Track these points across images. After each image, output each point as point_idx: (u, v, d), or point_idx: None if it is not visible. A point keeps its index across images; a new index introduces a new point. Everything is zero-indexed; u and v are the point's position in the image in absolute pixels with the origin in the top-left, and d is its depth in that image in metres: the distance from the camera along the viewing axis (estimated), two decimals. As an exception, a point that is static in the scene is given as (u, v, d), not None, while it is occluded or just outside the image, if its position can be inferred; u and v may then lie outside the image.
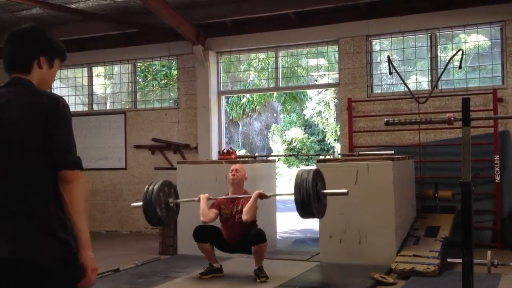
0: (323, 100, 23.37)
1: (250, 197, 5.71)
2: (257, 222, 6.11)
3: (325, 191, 5.06)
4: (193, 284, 5.80)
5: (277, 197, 8.46)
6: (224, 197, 6.00)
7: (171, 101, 10.22)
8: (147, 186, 5.48)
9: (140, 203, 5.41)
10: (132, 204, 5.77)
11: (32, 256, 2.13)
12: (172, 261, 7.02)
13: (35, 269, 2.14)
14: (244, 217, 5.62)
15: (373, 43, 8.66)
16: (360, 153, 7.76)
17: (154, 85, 12.65)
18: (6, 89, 2.33)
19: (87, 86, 10.56)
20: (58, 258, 2.16)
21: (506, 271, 5.89)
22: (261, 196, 5.67)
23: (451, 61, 7.64)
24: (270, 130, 26.15)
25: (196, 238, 5.96)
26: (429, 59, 8.35)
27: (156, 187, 5.41)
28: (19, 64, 2.36)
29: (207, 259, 6.02)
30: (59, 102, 2.25)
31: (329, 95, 22.45)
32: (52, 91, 11.74)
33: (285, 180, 22.53)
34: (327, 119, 23.34)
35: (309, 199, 4.87)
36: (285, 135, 24.84)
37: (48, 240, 2.16)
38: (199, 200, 5.85)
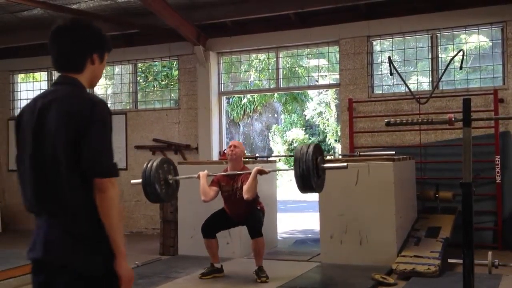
0: (323, 101, 23.38)
1: (250, 173, 5.71)
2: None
3: (324, 165, 5.07)
4: (193, 284, 5.80)
5: (278, 198, 8.46)
6: (223, 173, 6.02)
7: (171, 101, 10.22)
8: (145, 164, 5.45)
9: (139, 180, 5.41)
10: (132, 181, 5.77)
11: (60, 259, 2.15)
12: (172, 262, 7.02)
13: (63, 272, 2.15)
14: (245, 195, 5.61)
15: (374, 43, 8.66)
16: (361, 153, 7.76)
17: (155, 85, 12.63)
18: (55, 87, 2.32)
19: (88, 86, 10.57)
20: (86, 262, 2.15)
21: (507, 272, 5.88)
22: (261, 172, 5.67)
23: (452, 61, 7.64)
24: (270, 130, 26.16)
25: (205, 233, 5.96)
26: (429, 59, 8.35)
27: (155, 164, 5.41)
28: (71, 64, 2.31)
29: (211, 257, 6.01)
30: (94, 108, 2.19)
31: (330, 95, 22.46)
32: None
33: (285, 180, 22.55)
34: (327, 119, 23.35)
35: (309, 173, 4.86)
36: (286, 136, 24.84)
37: (78, 244, 2.16)
38: (198, 177, 5.86)
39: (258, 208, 5.94)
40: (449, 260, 6.13)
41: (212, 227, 5.99)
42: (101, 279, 2.17)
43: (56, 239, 2.15)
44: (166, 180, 5.54)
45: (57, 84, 2.33)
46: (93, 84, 2.40)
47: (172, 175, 5.65)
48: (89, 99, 2.24)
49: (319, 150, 5.12)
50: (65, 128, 2.14)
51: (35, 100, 2.30)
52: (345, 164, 5.04)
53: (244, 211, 5.84)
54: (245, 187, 5.64)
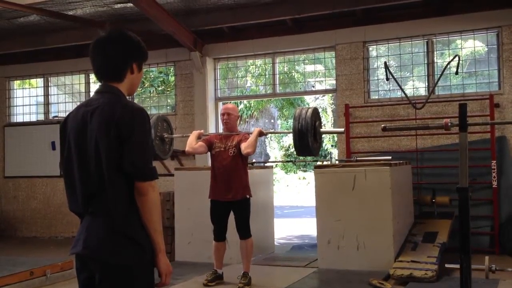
0: (320, 106, 23.42)
1: (245, 133, 5.81)
2: (255, 228, 6.09)
3: (322, 129, 5.28)
4: (190, 291, 5.78)
5: (275, 204, 8.44)
6: (220, 133, 6.09)
7: (168, 107, 10.22)
8: None
9: None
10: None
11: (95, 253, 2.30)
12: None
13: (99, 264, 2.30)
14: (246, 150, 5.57)
15: (370, 49, 8.68)
16: (358, 159, 7.77)
17: (152, 91, 12.64)
18: (97, 96, 2.47)
19: (85, 92, 10.57)
20: (120, 257, 2.29)
21: (504, 276, 5.88)
22: (261, 133, 5.78)
23: (448, 67, 7.66)
24: (267, 136, 26.18)
25: (217, 236, 5.87)
26: (426, 65, 8.38)
27: (151, 120, 5.60)
28: (112, 73, 2.47)
29: (216, 262, 5.93)
30: (135, 115, 2.34)
31: (327, 101, 22.50)
32: (50, 98, 11.59)
33: (282, 186, 22.56)
34: (324, 125, 23.38)
35: (307, 129, 5.02)
36: (283, 141, 24.85)
37: (117, 241, 2.29)
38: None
39: (247, 196, 5.78)
40: (446, 265, 6.11)
41: (220, 226, 5.87)
42: (132, 270, 2.31)
43: (95, 236, 2.31)
44: (161, 137, 5.82)
45: (99, 92, 2.48)
46: (131, 92, 2.56)
47: (168, 133, 5.87)
48: (129, 106, 2.39)
49: (318, 114, 5.42)
50: (107, 134, 2.29)
51: (78, 108, 2.48)
52: (342, 129, 5.28)
53: (233, 180, 5.69)
54: (246, 143, 5.60)
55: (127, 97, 2.51)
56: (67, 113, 2.56)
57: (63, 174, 2.46)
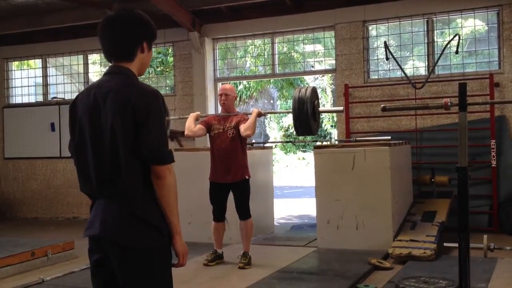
0: (319, 86, 23.35)
1: (245, 114, 5.79)
2: (255, 209, 6.12)
3: (320, 108, 5.48)
4: (193, 270, 5.81)
5: (274, 184, 8.46)
6: (218, 114, 6.03)
7: (167, 88, 10.19)
8: None
9: None
10: None
11: (114, 236, 2.29)
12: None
13: (117, 247, 2.29)
14: (245, 132, 5.55)
15: (370, 28, 8.62)
16: (357, 139, 7.77)
17: (150, 72, 12.59)
18: (108, 77, 2.40)
19: (83, 73, 10.51)
20: (140, 240, 2.29)
21: (502, 255, 5.93)
22: (260, 114, 5.77)
23: (448, 46, 7.62)
24: (267, 116, 26.12)
25: (217, 216, 5.91)
26: (425, 44, 8.33)
27: None
28: (123, 52, 2.41)
29: (215, 242, 5.98)
30: (150, 98, 2.31)
31: (326, 81, 22.42)
32: (49, 79, 11.50)
33: (282, 166, 22.60)
34: (324, 105, 23.32)
35: (307, 100, 5.07)
36: (282, 122, 24.82)
37: (132, 223, 2.29)
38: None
39: (247, 177, 5.80)
40: (445, 244, 6.17)
41: (219, 207, 5.90)
42: (152, 253, 2.32)
43: (112, 218, 2.29)
44: None
45: (110, 73, 2.42)
46: (142, 72, 2.50)
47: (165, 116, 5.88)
48: (143, 89, 2.34)
49: (316, 94, 5.50)
50: (122, 118, 2.26)
51: (88, 90, 2.41)
52: (341, 108, 5.35)
53: (232, 162, 5.70)
54: (245, 125, 5.58)
55: (138, 78, 2.47)
56: (71, 95, 2.53)
57: (74, 157, 2.42)
